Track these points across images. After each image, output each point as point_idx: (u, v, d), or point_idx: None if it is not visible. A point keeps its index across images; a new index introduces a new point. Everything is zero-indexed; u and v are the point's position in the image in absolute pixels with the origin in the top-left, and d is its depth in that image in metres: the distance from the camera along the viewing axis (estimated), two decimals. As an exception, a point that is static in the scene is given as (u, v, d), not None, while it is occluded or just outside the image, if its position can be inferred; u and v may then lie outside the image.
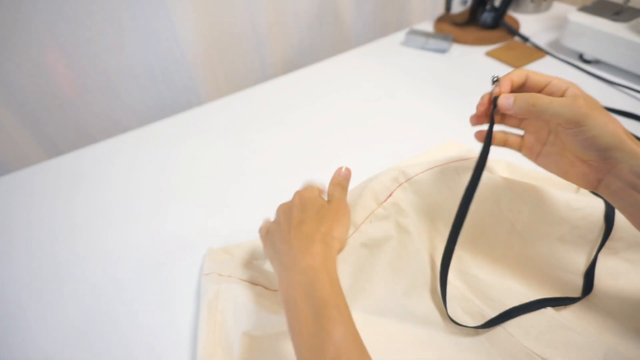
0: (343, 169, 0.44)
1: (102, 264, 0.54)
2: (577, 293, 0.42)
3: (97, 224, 0.59)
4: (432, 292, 0.45)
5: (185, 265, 0.52)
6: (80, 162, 0.69)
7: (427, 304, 0.44)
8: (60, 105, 0.83)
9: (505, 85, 0.37)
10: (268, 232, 0.42)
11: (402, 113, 0.74)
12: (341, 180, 0.44)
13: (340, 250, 0.38)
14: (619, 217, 0.41)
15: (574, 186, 0.51)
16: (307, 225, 0.38)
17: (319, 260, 0.35)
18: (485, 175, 0.42)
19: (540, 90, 0.37)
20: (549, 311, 0.40)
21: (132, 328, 0.47)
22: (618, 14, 0.79)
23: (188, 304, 0.48)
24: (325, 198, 0.43)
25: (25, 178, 0.67)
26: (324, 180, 0.44)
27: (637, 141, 0.34)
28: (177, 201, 0.61)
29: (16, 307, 0.50)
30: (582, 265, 0.42)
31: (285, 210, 0.41)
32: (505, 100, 0.37)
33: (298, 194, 0.42)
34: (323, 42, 1.07)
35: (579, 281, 0.42)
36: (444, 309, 0.42)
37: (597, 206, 0.42)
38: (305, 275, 0.34)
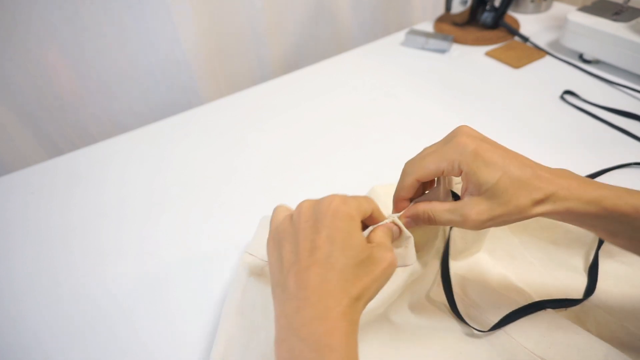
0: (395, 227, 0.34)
1: (102, 264, 0.54)
2: (576, 295, 0.43)
3: (96, 224, 0.59)
4: (435, 293, 0.45)
5: (186, 265, 0.52)
6: (80, 163, 0.69)
7: (429, 306, 0.44)
8: (60, 105, 0.83)
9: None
10: (277, 230, 0.32)
11: (402, 113, 0.74)
12: (392, 232, 0.34)
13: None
14: None
15: None
16: (335, 270, 0.28)
17: (339, 340, 0.26)
18: None
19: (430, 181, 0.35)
20: (549, 312, 0.40)
21: (129, 328, 0.47)
22: (618, 14, 0.79)
23: (186, 304, 0.48)
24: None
25: (24, 178, 0.67)
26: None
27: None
28: (178, 201, 0.61)
29: (15, 307, 0.50)
30: (579, 266, 0.42)
31: (308, 218, 0.30)
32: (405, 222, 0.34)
33: (335, 204, 0.30)
34: (322, 42, 1.07)
35: (577, 283, 0.43)
36: (447, 311, 0.42)
37: None
38: (320, 354, 0.26)
